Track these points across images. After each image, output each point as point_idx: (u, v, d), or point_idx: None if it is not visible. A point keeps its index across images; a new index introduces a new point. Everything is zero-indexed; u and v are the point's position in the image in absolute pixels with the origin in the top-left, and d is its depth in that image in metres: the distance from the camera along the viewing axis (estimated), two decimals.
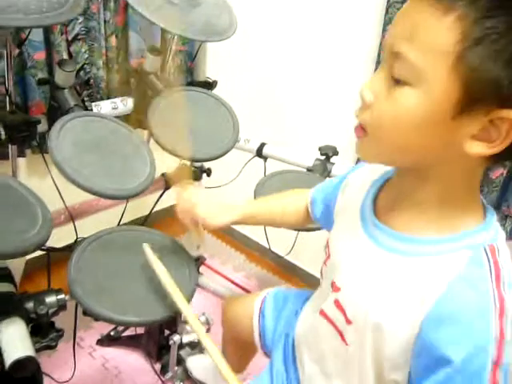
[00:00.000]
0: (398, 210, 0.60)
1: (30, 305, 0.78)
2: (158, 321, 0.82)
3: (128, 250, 0.93)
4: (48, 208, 0.77)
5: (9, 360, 0.69)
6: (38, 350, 0.78)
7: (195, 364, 1.46)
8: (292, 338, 0.86)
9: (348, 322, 0.63)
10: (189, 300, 0.86)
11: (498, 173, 1.26)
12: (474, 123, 0.48)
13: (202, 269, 1.92)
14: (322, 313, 0.69)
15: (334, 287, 0.66)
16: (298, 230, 1.23)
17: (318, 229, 1.13)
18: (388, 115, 0.51)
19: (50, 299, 0.81)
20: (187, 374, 1.46)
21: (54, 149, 0.94)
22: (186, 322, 1.40)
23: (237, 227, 2.17)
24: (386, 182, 0.66)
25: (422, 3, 0.48)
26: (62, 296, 0.82)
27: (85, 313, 0.85)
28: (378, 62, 1.40)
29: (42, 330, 0.80)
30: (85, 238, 0.95)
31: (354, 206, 0.67)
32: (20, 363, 0.69)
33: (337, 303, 0.65)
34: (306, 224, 0.92)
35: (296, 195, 0.91)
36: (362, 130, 0.55)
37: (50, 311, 0.79)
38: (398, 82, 0.50)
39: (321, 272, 0.76)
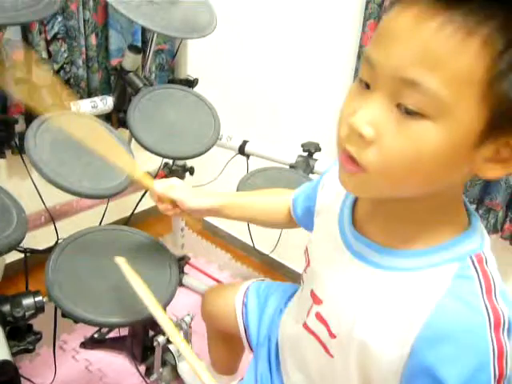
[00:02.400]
0: (379, 222, 0.57)
1: (6, 307, 0.76)
2: (139, 321, 0.81)
3: (108, 250, 0.92)
4: (24, 209, 0.76)
5: None
6: (15, 354, 0.76)
7: (186, 369, 1.45)
8: (275, 342, 0.84)
9: (332, 335, 0.61)
10: (168, 301, 0.85)
11: None
12: (491, 147, 0.45)
13: (187, 268, 1.90)
14: (305, 325, 0.68)
15: (316, 299, 0.65)
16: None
17: None
18: (404, 153, 0.44)
19: (28, 301, 0.79)
20: (172, 375, 1.45)
21: (30, 149, 0.92)
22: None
23: (221, 225, 2.16)
24: None
25: (435, 21, 0.41)
26: (39, 298, 0.80)
27: (64, 315, 0.84)
28: (359, 57, 1.40)
29: (20, 334, 0.78)
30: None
31: (332, 213, 0.65)
32: None
33: (318, 316, 0.63)
34: (287, 225, 0.88)
35: (280, 195, 0.88)
36: (357, 166, 0.48)
37: (28, 314, 0.78)
38: (410, 113, 0.43)
39: (302, 278, 0.74)
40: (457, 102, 0.41)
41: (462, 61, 0.40)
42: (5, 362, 0.68)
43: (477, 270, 0.50)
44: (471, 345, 0.47)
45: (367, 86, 0.47)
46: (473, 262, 0.50)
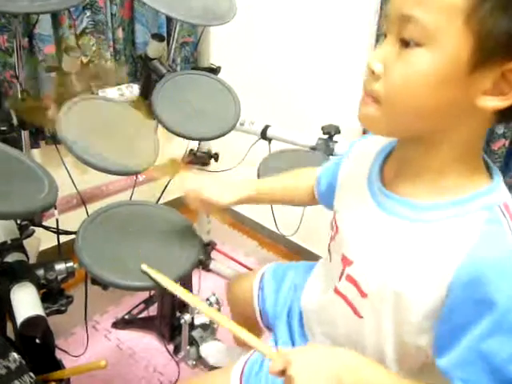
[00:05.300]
0: (404, 178, 0.60)
1: (40, 271, 0.82)
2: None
3: (134, 221, 0.97)
4: (54, 178, 0.82)
5: (20, 319, 0.73)
6: (48, 314, 0.82)
7: (209, 350, 1.50)
8: (297, 312, 0.87)
9: (362, 294, 0.63)
10: (192, 266, 0.89)
11: (500, 144, 1.26)
12: (486, 78, 0.48)
13: (215, 255, 1.95)
14: (336, 290, 0.70)
15: (346, 261, 0.67)
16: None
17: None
18: (401, 79, 0.51)
19: (60, 266, 0.85)
20: (199, 354, 1.49)
21: (62, 128, 0.98)
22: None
23: (247, 213, 2.20)
24: (391, 152, 0.66)
25: None
26: (70, 264, 0.86)
27: (93, 281, 0.89)
28: (377, 39, 1.42)
29: (53, 297, 0.84)
30: None
31: (360, 178, 0.67)
32: (30, 322, 0.73)
33: (349, 278, 0.66)
34: (311, 203, 0.91)
35: (307, 174, 0.90)
36: (372, 100, 0.54)
37: (60, 277, 0.83)
38: (407, 44, 0.50)
39: (328, 249, 0.76)
40: (443, 29, 0.47)
41: None
42: (39, 317, 0.73)
43: (505, 216, 0.54)
44: (505, 278, 0.51)
45: (386, 36, 0.54)
46: (501, 209, 0.54)
